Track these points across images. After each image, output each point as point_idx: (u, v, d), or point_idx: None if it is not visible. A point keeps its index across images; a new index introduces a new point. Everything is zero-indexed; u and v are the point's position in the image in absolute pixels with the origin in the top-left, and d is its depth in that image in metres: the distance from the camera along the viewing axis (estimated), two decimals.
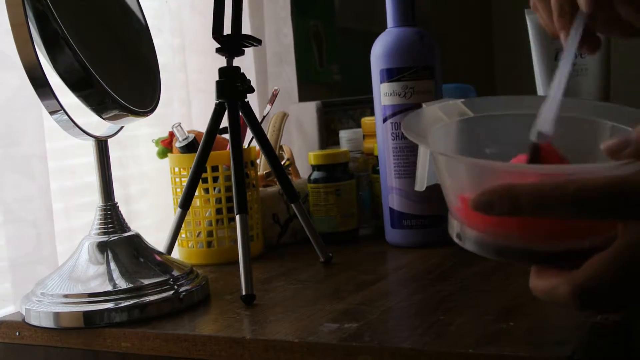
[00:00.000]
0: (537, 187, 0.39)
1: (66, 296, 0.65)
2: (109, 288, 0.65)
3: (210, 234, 0.87)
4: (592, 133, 0.48)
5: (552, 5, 0.50)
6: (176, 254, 0.86)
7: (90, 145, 0.69)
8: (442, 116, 0.49)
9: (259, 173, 0.96)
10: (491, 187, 0.40)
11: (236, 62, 0.76)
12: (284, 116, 1.08)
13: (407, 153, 0.85)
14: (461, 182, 0.44)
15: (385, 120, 0.86)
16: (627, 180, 0.38)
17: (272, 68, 1.37)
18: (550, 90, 0.45)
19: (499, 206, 0.39)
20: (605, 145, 0.39)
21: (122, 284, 0.65)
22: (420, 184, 0.48)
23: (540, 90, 0.80)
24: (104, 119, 0.67)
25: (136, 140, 1.05)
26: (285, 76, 1.41)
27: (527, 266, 0.44)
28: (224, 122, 0.76)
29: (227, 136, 0.75)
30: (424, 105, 0.51)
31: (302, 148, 1.21)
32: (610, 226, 0.40)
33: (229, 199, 0.84)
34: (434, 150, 0.45)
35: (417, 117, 0.49)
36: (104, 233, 0.69)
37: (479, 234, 0.43)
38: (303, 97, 1.45)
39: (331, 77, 1.80)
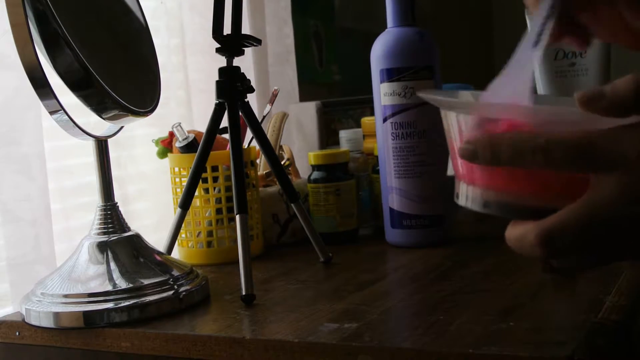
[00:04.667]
0: (513, 138, 0.40)
1: (66, 296, 0.65)
2: (109, 288, 0.65)
3: (210, 234, 0.87)
4: None
5: None
6: (176, 254, 0.86)
7: (88, 145, 0.69)
8: (471, 99, 0.50)
9: (259, 173, 0.96)
10: (475, 135, 0.41)
11: (236, 62, 0.76)
12: (284, 116, 1.08)
13: (407, 153, 0.85)
14: (460, 134, 0.44)
15: (385, 120, 0.86)
16: (598, 134, 0.39)
17: (273, 68, 1.37)
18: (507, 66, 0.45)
19: (481, 154, 0.41)
20: (579, 94, 0.39)
21: (122, 284, 0.65)
22: (450, 170, 0.48)
23: (540, 90, 0.80)
24: (104, 119, 0.67)
25: (134, 140, 1.05)
26: (286, 76, 1.41)
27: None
28: (224, 122, 0.75)
29: (227, 136, 0.75)
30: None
31: (302, 148, 1.21)
32: None
33: (229, 199, 0.84)
34: (435, 99, 0.45)
35: (445, 93, 0.49)
36: (104, 233, 0.69)
37: (470, 188, 0.44)
38: (303, 97, 1.45)
39: (331, 77, 1.80)
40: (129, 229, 0.70)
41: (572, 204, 0.40)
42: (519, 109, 0.43)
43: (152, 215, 1.07)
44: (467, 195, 0.45)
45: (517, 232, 0.42)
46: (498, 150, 0.40)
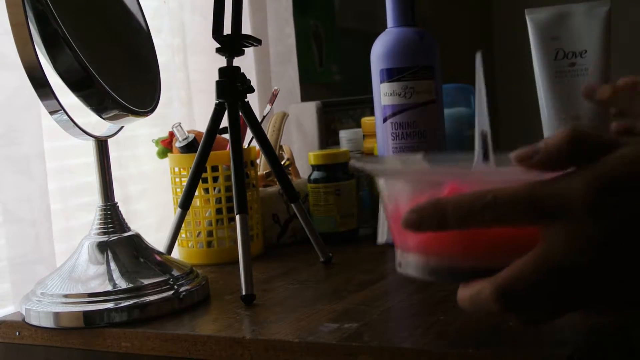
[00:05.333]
0: (460, 200, 0.40)
1: (66, 296, 0.65)
2: (109, 288, 0.65)
3: (210, 234, 0.87)
4: None
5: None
6: (176, 254, 0.86)
7: (88, 145, 0.69)
8: (398, 164, 0.51)
9: (259, 173, 0.96)
10: (419, 203, 0.41)
11: (237, 62, 0.76)
12: (284, 116, 1.08)
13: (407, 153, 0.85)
14: (397, 203, 0.44)
15: (385, 120, 0.86)
16: (541, 185, 0.39)
17: (275, 68, 1.38)
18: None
19: (427, 222, 0.41)
20: (514, 154, 0.40)
21: (122, 284, 0.65)
22: (381, 236, 0.49)
23: (540, 90, 0.80)
24: (104, 119, 0.67)
25: (135, 140, 1.05)
26: (288, 76, 1.41)
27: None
28: (224, 122, 0.76)
29: (227, 136, 0.75)
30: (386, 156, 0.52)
31: (302, 148, 1.21)
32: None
33: (229, 199, 0.84)
34: (366, 168, 0.46)
35: (375, 159, 0.50)
36: (104, 233, 0.69)
37: (414, 257, 0.44)
38: (303, 97, 1.45)
39: (331, 77, 1.80)
40: (129, 229, 0.70)
41: (524, 257, 0.40)
42: (455, 171, 0.43)
43: (152, 215, 1.07)
44: (408, 263, 0.44)
45: (471, 291, 0.42)
46: (444, 214, 0.40)
